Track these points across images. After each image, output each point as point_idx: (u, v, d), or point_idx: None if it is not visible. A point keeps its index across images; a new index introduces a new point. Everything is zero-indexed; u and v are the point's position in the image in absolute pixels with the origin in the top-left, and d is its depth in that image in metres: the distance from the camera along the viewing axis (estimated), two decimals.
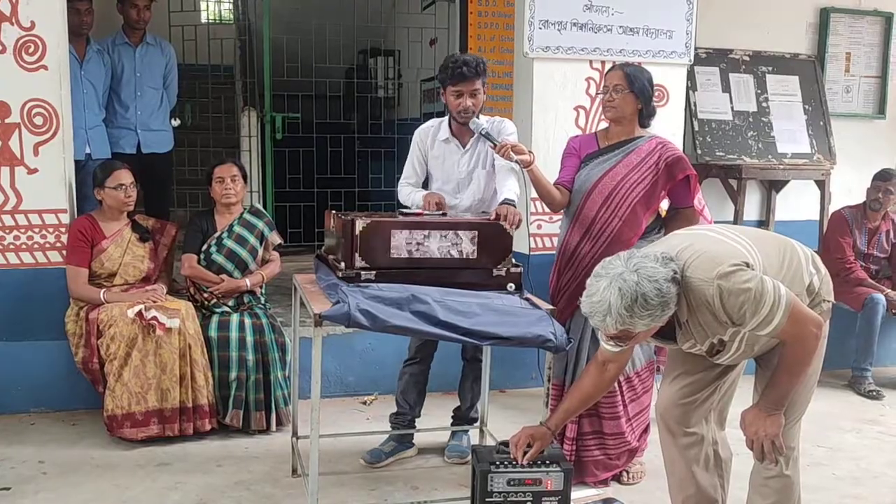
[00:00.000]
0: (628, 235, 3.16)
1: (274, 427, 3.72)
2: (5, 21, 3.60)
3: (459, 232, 2.82)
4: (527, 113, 4.31)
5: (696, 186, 3.24)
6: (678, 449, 2.56)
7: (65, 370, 3.80)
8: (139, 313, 3.51)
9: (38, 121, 3.69)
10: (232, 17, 8.25)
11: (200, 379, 3.61)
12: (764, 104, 6.32)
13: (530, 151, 3.11)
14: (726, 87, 6.35)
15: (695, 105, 6.57)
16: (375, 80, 8.18)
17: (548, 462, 2.58)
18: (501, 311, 2.67)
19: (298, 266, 5.99)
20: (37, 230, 3.77)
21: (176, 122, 5.30)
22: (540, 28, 4.21)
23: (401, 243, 2.77)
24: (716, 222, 3.84)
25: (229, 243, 3.88)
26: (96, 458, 3.42)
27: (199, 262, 3.86)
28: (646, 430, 3.39)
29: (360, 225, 2.73)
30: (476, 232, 2.84)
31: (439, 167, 3.40)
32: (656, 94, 4.28)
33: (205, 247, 3.88)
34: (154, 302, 3.61)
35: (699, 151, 6.44)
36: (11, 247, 3.75)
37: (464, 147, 3.35)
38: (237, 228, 3.92)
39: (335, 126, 6.43)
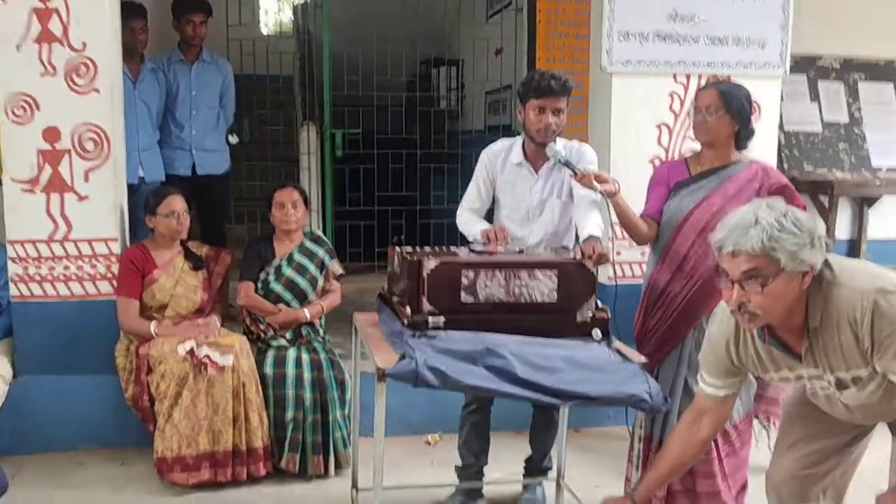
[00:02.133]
0: None
1: (332, 471, 3.46)
2: (55, 42, 3.43)
3: (538, 272, 2.52)
4: (604, 133, 3.97)
5: None
6: None
7: (115, 405, 3.60)
8: (191, 350, 3.30)
9: (89, 146, 3.52)
10: (292, 29, 8.10)
11: (255, 420, 3.38)
12: (856, 114, 5.86)
13: (614, 180, 2.79)
14: (815, 97, 5.90)
15: (781, 116, 6.13)
16: (438, 91, 7.93)
17: None
18: (588, 367, 2.36)
19: (359, 286, 5.76)
20: (86, 259, 3.59)
21: (234, 140, 5.13)
22: (619, 40, 3.88)
23: (472, 285, 2.49)
24: None
25: (288, 272, 3.66)
26: None
27: (256, 290, 3.65)
28: (743, 488, 3.03)
29: (427, 266, 2.45)
30: (556, 271, 2.53)
31: (509, 193, 3.09)
32: None
33: (262, 275, 3.66)
34: (206, 337, 3.40)
35: (786, 166, 6.00)
36: (61, 277, 3.58)
37: (537, 173, 3.05)
38: (297, 256, 3.69)
39: (395, 141, 6.19)
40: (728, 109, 2.83)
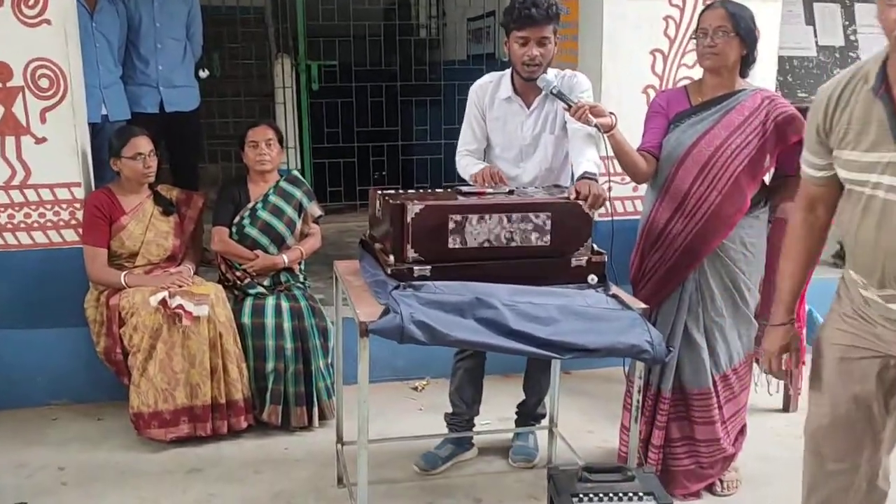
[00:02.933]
0: (729, 211, 2.65)
1: (316, 422, 3.34)
2: None
3: (530, 214, 2.34)
4: (595, 60, 3.75)
5: None
6: (825, 476, 2.06)
7: (87, 359, 3.44)
8: (163, 301, 3.12)
9: (44, 83, 3.26)
10: None
11: (234, 371, 3.23)
12: (852, 37, 5.66)
13: (611, 113, 2.60)
14: (810, 19, 5.68)
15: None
16: (418, 19, 7.60)
17: (641, 495, 2.15)
18: (585, 316, 2.20)
19: (340, 227, 5.59)
20: (49, 206, 3.37)
21: (205, 74, 4.86)
22: None
23: (460, 230, 2.30)
24: None
25: (264, 215, 3.46)
26: (121, 462, 3.08)
27: (230, 235, 3.45)
28: (741, 432, 2.93)
29: (411, 211, 2.27)
30: (550, 214, 2.36)
31: (499, 130, 2.90)
32: None
33: (237, 219, 3.46)
34: (179, 287, 3.22)
35: (779, 93, 5.82)
36: (22, 225, 3.37)
37: (529, 107, 2.84)
38: (273, 198, 3.48)
39: (373, 73, 5.91)
40: (737, 31, 2.61)
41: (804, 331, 3.15)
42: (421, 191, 2.50)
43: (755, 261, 2.76)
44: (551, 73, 2.80)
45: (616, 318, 2.23)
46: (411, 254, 2.29)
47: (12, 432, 3.31)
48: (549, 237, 2.36)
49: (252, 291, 3.42)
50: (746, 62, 2.69)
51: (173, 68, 4.22)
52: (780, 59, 5.88)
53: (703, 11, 2.72)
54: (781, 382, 3.40)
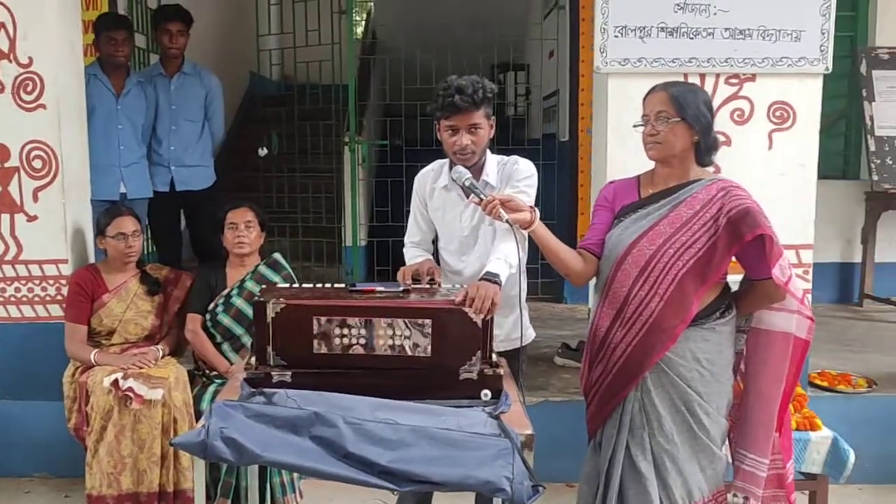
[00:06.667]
0: (672, 321, 2.26)
1: None
2: (3, 59, 3.34)
3: (407, 320, 2.10)
4: (600, 143, 3.45)
5: (776, 250, 2.25)
6: None
7: (66, 433, 3.46)
8: (115, 382, 3.09)
9: (37, 164, 3.41)
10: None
11: (186, 459, 3.12)
12: None
13: (532, 207, 2.31)
14: None
15: (871, 119, 5.35)
16: (505, 98, 7.50)
17: None
18: (443, 441, 1.91)
19: None
20: (37, 282, 3.48)
21: (263, 152, 4.95)
22: (616, 35, 3.33)
23: (326, 334, 2.09)
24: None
25: (238, 302, 3.36)
26: None
27: (204, 323, 3.38)
28: None
29: (273, 309, 2.09)
30: (431, 320, 2.10)
31: (440, 221, 2.69)
32: (778, 114, 3.36)
33: (211, 306, 3.39)
34: (139, 368, 3.18)
35: (876, 177, 5.22)
36: (12, 299, 3.49)
37: (467, 197, 2.60)
38: (249, 284, 3.39)
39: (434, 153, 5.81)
40: (683, 116, 2.29)
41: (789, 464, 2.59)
42: (304, 286, 2.31)
43: (714, 381, 2.33)
44: (493, 160, 2.57)
45: (479, 446, 1.91)
46: (273, 357, 2.10)
47: None
48: (430, 347, 2.10)
49: (219, 381, 3.32)
50: (701, 149, 2.33)
51: (186, 148, 4.31)
52: (879, 139, 5.31)
53: (645, 96, 2.40)
54: None
